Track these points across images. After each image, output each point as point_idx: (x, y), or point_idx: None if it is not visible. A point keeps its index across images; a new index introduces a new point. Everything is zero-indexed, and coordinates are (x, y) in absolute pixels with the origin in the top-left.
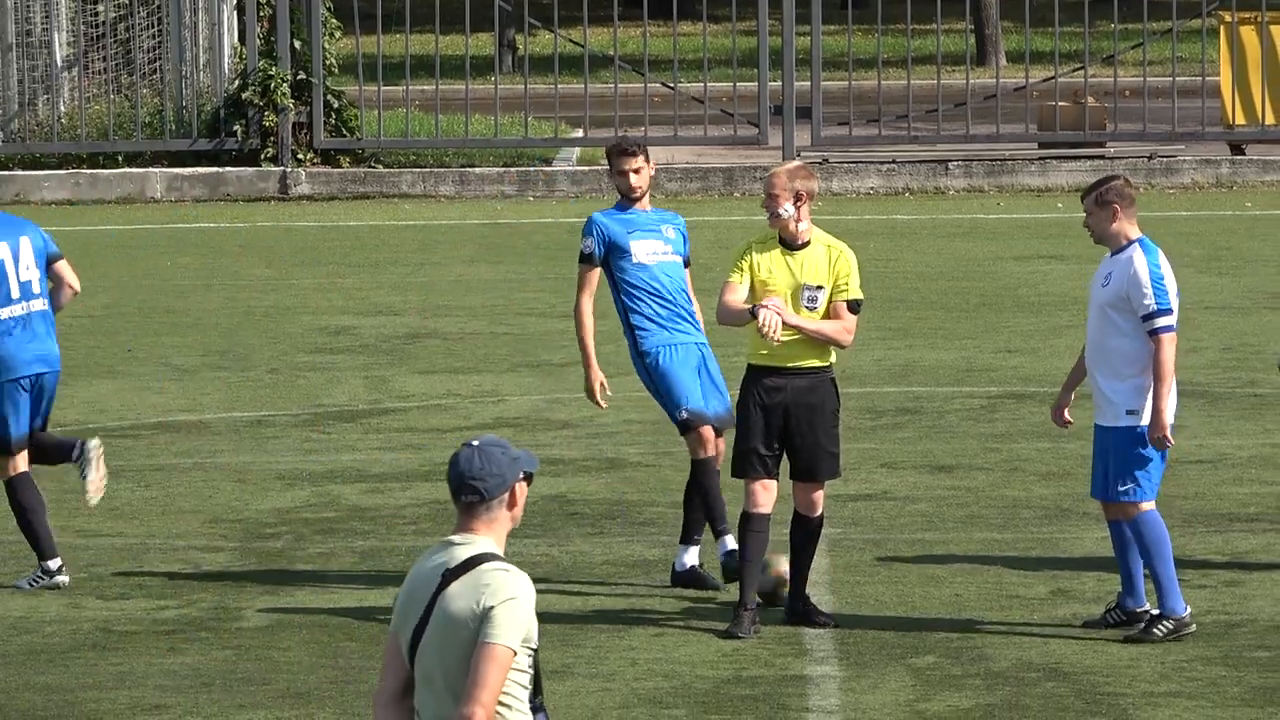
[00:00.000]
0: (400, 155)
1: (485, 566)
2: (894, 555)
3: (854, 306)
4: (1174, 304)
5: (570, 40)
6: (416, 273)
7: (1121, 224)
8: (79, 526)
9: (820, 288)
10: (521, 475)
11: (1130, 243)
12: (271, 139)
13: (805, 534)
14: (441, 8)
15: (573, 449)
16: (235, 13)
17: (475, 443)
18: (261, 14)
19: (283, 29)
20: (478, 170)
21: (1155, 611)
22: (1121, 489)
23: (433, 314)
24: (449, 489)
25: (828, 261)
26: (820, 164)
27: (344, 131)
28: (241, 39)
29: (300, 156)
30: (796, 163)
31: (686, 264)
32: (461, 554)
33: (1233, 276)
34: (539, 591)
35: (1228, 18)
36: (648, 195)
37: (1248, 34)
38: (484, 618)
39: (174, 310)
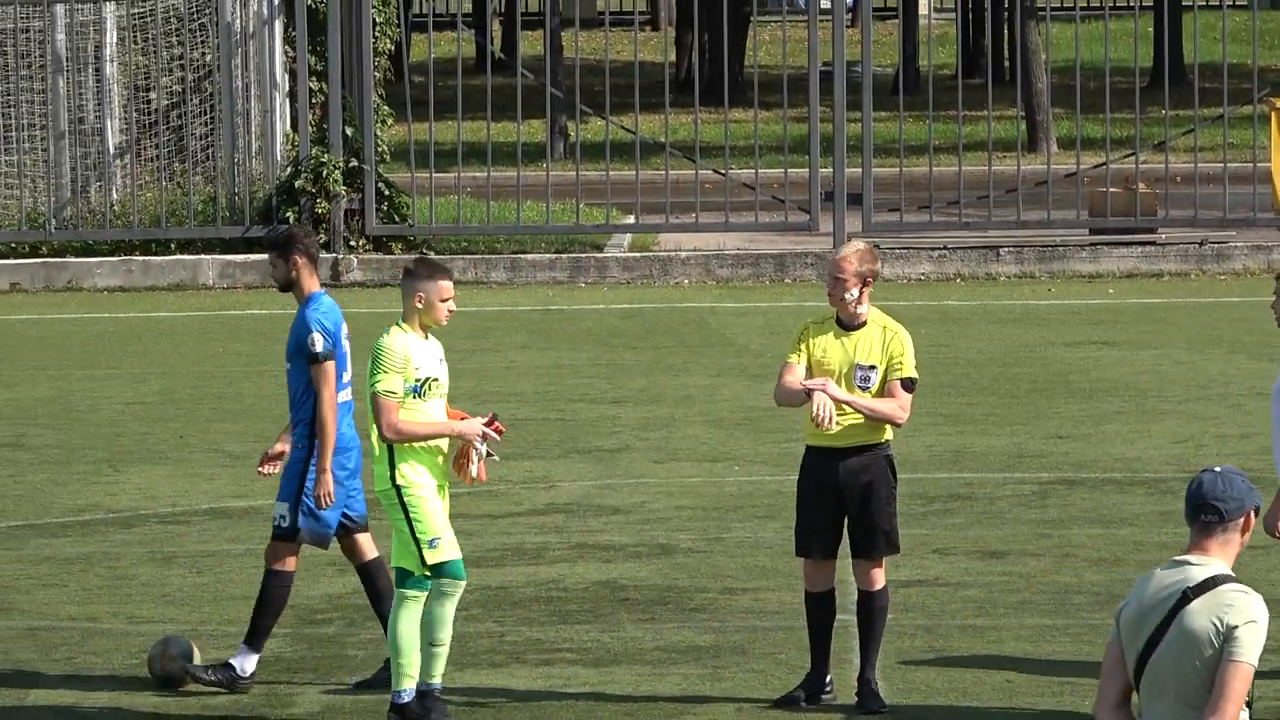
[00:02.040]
0: (452, 242)
1: (1225, 587)
2: (946, 641)
3: (908, 385)
4: None
5: (622, 127)
6: (467, 359)
7: None
8: (130, 613)
9: (873, 367)
10: (1254, 507)
11: None
12: (324, 226)
13: (867, 611)
14: (493, 95)
15: (624, 534)
16: (288, 100)
17: (1217, 469)
18: (314, 101)
19: (335, 116)
20: (529, 256)
21: None
22: None
23: (484, 400)
24: (1186, 510)
25: (882, 342)
26: (864, 248)
27: (396, 218)
28: (294, 126)
29: (353, 243)
30: (863, 245)
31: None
32: (1199, 574)
33: None
34: (587, 678)
35: (1278, 103)
36: None
37: None
38: (1228, 636)
39: (226, 396)
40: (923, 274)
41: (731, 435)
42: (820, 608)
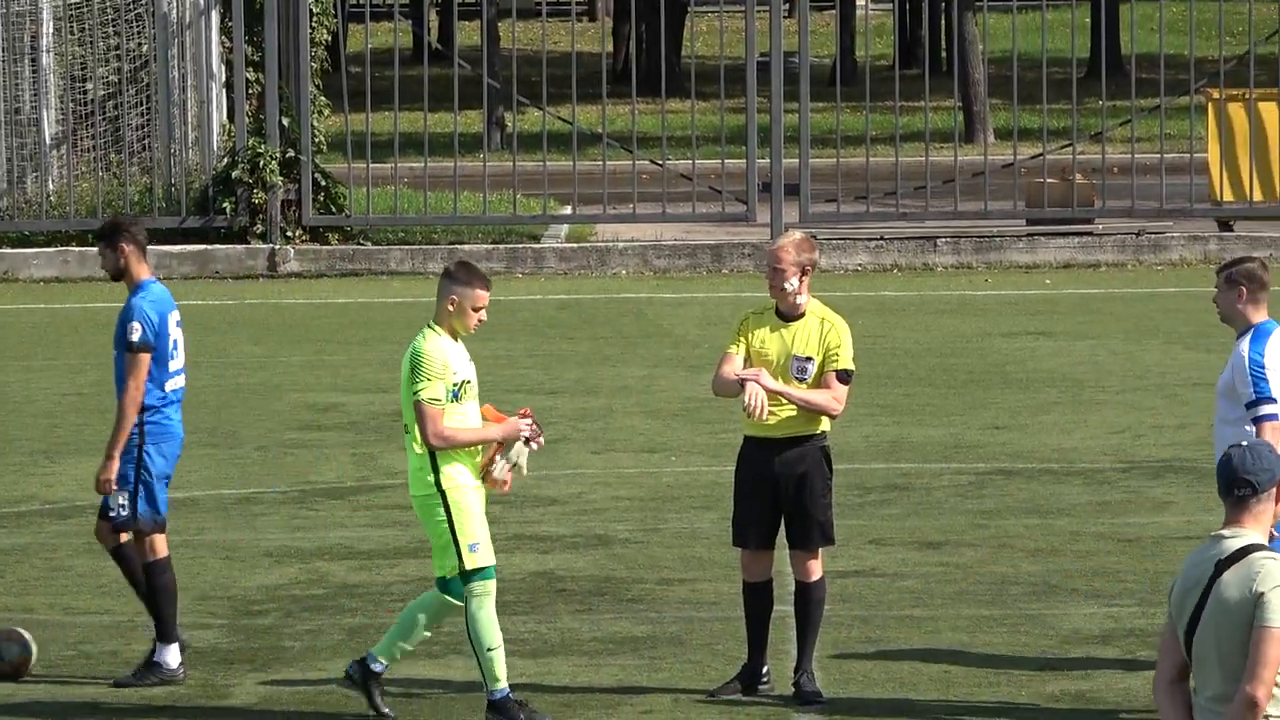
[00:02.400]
0: (389, 232)
1: (1255, 555)
2: (883, 632)
3: (843, 376)
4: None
5: (559, 118)
6: (404, 350)
7: (1246, 306)
8: (66, 604)
9: (810, 359)
10: None
11: (1249, 327)
12: (260, 216)
13: (804, 602)
14: (430, 85)
15: (561, 525)
16: (224, 90)
17: (1244, 444)
18: (250, 92)
19: (271, 107)
20: (466, 247)
21: None
22: None
23: None
24: (1219, 487)
25: (819, 334)
26: (802, 238)
27: (332, 209)
28: (230, 117)
29: (289, 234)
30: (799, 235)
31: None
32: (1231, 545)
33: (1220, 353)
34: (525, 669)
35: (1215, 94)
36: None
37: (1235, 110)
38: (1257, 603)
39: None
40: (860, 264)
41: (669, 426)
42: (757, 598)
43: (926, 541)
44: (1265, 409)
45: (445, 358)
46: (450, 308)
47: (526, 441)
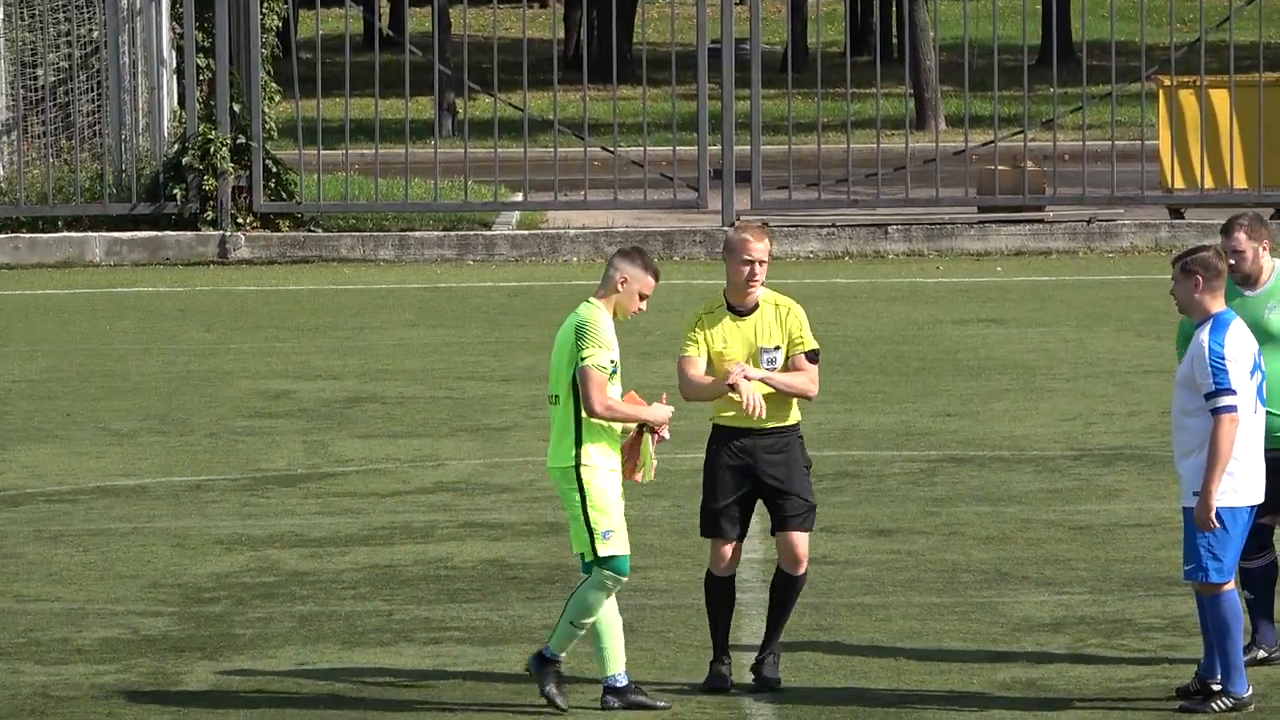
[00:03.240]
0: (339, 219)
1: None
2: (834, 619)
3: (813, 356)
4: (1239, 382)
5: (510, 104)
6: (356, 337)
7: (1203, 295)
8: (17, 591)
9: (777, 348)
10: None
11: (1207, 318)
12: (211, 203)
13: (788, 588)
14: (381, 72)
15: (512, 513)
16: (175, 77)
17: None
18: (201, 79)
19: (222, 93)
20: (417, 234)
21: (1218, 686)
22: (1186, 568)
23: (372, 378)
24: None
25: (778, 320)
26: (760, 227)
27: (283, 195)
28: (181, 104)
29: (240, 220)
30: (758, 225)
31: None
32: None
33: (1172, 340)
34: (476, 656)
35: (1166, 82)
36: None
37: (1186, 98)
38: None
39: (112, 374)
40: (811, 252)
41: None
42: (725, 592)
43: (877, 529)
44: (1224, 400)
45: (611, 330)
46: (620, 286)
47: (652, 431)
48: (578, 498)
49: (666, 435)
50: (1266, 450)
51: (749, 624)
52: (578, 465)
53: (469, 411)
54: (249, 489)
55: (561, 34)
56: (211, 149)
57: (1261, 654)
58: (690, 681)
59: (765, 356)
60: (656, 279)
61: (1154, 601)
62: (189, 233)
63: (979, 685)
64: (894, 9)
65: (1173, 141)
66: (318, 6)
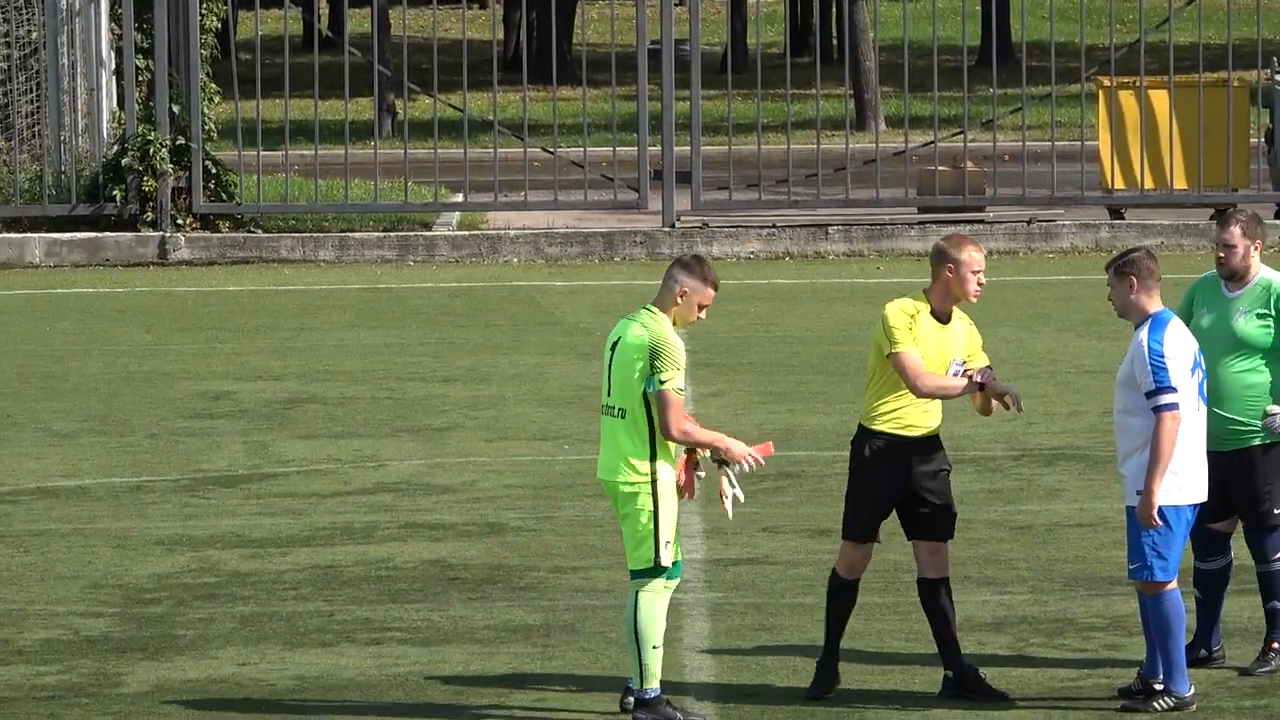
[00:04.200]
0: (279, 220)
1: None
2: (776, 619)
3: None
4: (1180, 380)
5: (450, 105)
6: (296, 337)
7: (1139, 296)
8: None
9: (964, 361)
10: None
11: (1146, 318)
12: (151, 204)
13: (940, 600)
14: (321, 73)
15: (453, 513)
16: (114, 78)
17: None
18: (140, 80)
19: (161, 94)
20: (357, 235)
21: (1160, 686)
22: (1130, 567)
23: (313, 379)
24: None
25: (966, 335)
26: (700, 228)
27: (223, 196)
28: (120, 104)
29: (179, 221)
30: (973, 236)
31: None
32: None
33: (1112, 340)
34: (418, 657)
35: (1106, 82)
36: None
37: (1126, 99)
38: None
39: (53, 375)
40: (752, 252)
41: (561, 414)
42: (852, 596)
43: (819, 529)
44: (1165, 398)
45: (682, 347)
46: (680, 299)
47: (722, 461)
48: (651, 508)
49: (750, 465)
50: (1221, 452)
51: (690, 624)
52: (654, 480)
53: (410, 412)
54: (190, 490)
55: (501, 35)
56: (151, 150)
57: (1202, 653)
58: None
59: (953, 368)
60: (716, 289)
61: (1095, 601)
62: (129, 234)
63: (921, 685)
64: (834, 10)
65: (1112, 142)
66: (257, 8)
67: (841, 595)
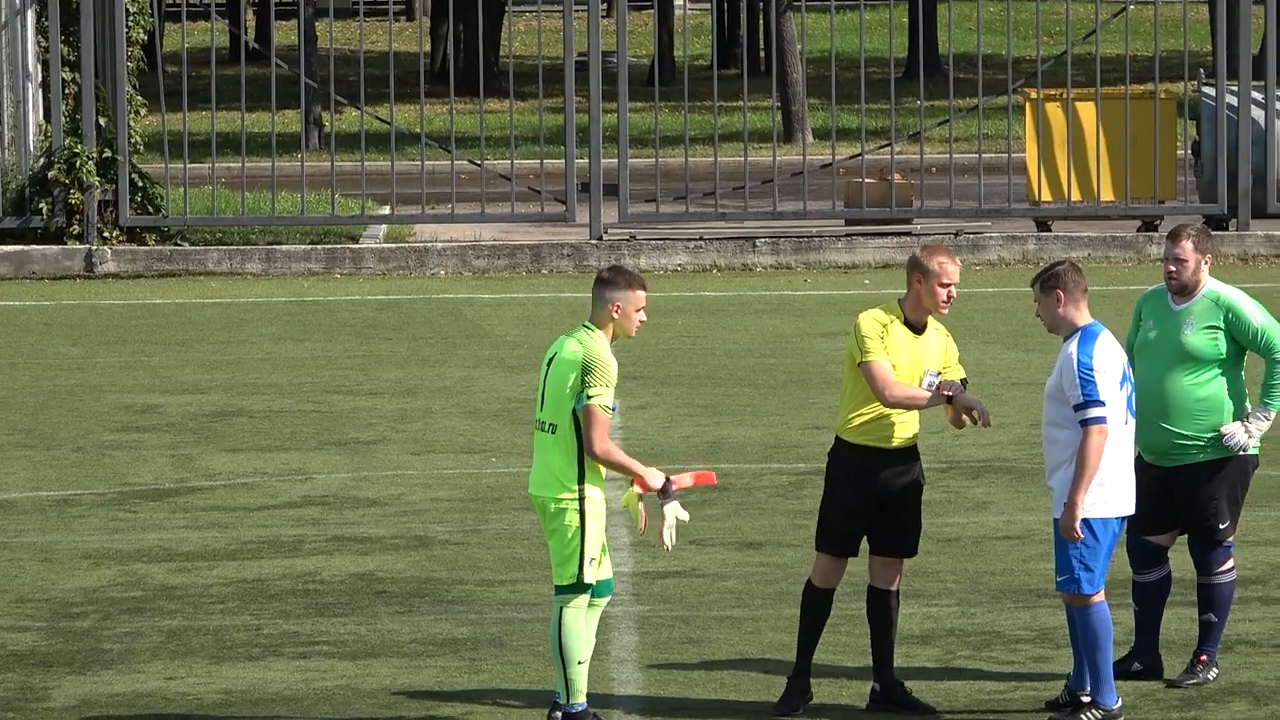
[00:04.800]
0: (206, 233)
1: None
2: (703, 632)
3: (964, 384)
4: (1108, 393)
5: (376, 118)
6: (223, 350)
7: (1068, 309)
8: None
9: (939, 373)
10: None
11: (1075, 331)
12: (77, 217)
13: (888, 608)
14: (247, 85)
15: (380, 527)
16: (40, 90)
17: None
18: (66, 92)
19: (88, 107)
20: (284, 248)
21: (1087, 698)
22: (1058, 579)
23: (239, 392)
24: None
25: (941, 347)
26: (627, 241)
27: (150, 209)
28: (47, 116)
29: (106, 234)
30: (948, 246)
31: None
32: None
33: (1040, 353)
34: (344, 671)
35: (1033, 94)
36: None
37: (1053, 110)
38: None
39: None
40: (679, 265)
41: (489, 427)
42: (826, 607)
43: (747, 542)
44: (1093, 412)
45: (615, 365)
46: (615, 314)
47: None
48: (578, 525)
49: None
50: (1165, 467)
51: (618, 637)
52: (582, 498)
53: (337, 425)
54: (116, 503)
55: (428, 47)
56: (77, 163)
57: (1137, 666)
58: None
59: (927, 379)
60: (645, 288)
61: (1023, 613)
62: (55, 247)
63: (848, 698)
64: (761, 22)
65: (1040, 154)
66: (184, 20)
67: (815, 606)
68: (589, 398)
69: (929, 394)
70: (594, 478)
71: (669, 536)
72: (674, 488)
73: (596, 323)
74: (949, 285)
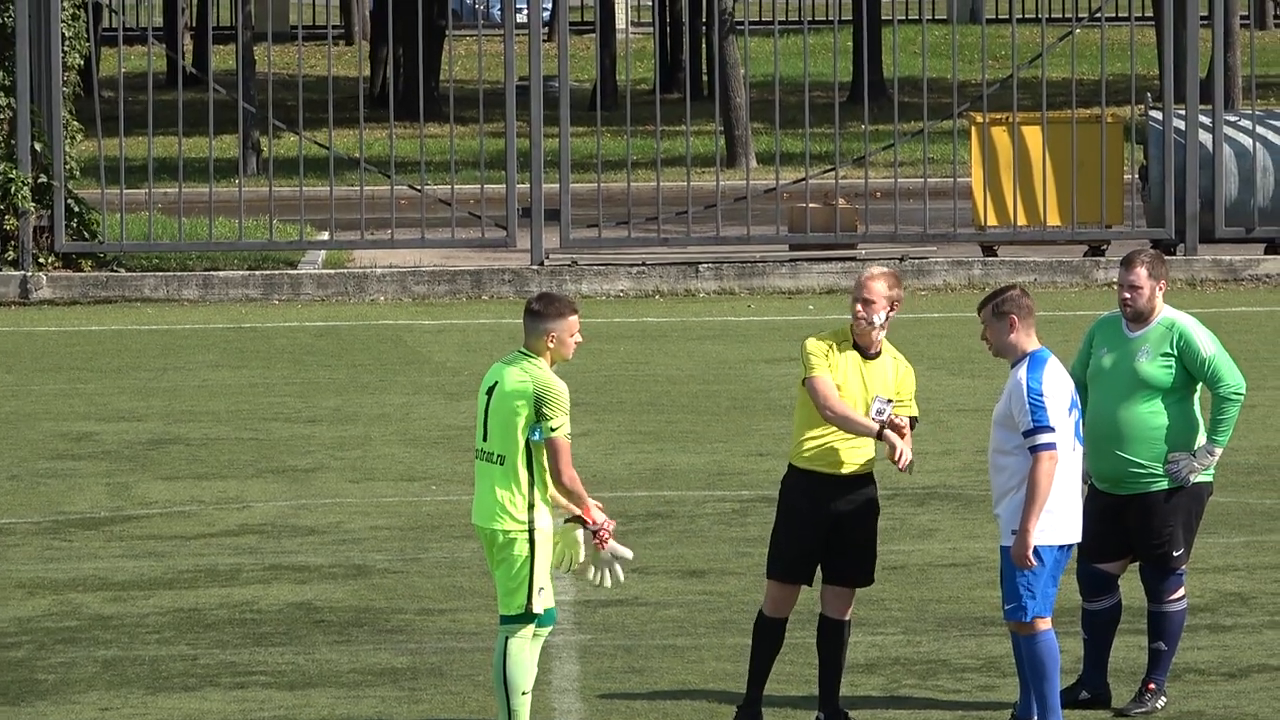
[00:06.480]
0: (143, 259)
1: None
2: (646, 661)
3: (913, 423)
4: (1057, 419)
5: (315, 142)
6: (159, 378)
7: (1018, 335)
8: None
9: (890, 401)
10: None
11: (1023, 356)
12: (12, 243)
13: (838, 640)
14: (185, 110)
15: (319, 555)
16: None
17: None
18: (1, 117)
19: (23, 131)
20: (222, 274)
21: None
22: (1005, 607)
23: (176, 419)
24: None
25: (895, 375)
26: (569, 266)
27: (86, 235)
28: None
29: (41, 260)
30: (888, 269)
31: None
32: None
33: (986, 379)
34: (282, 701)
35: (979, 119)
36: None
37: (999, 135)
38: None
39: None
40: (621, 290)
41: (428, 454)
42: (777, 636)
43: (690, 570)
44: (1043, 438)
45: (566, 390)
46: (550, 343)
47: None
48: (527, 555)
49: (606, 538)
50: (1118, 495)
51: (559, 666)
52: (532, 528)
53: (274, 453)
54: (51, 532)
55: (367, 71)
56: (12, 188)
57: (1085, 694)
58: None
59: (875, 406)
60: (576, 311)
61: (969, 641)
62: None
63: None
64: (704, 46)
65: (985, 179)
66: (120, 44)
67: (766, 636)
68: (552, 430)
69: (867, 421)
70: (544, 505)
71: (619, 575)
72: (606, 534)
73: (533, 350)
74: (865, 300)
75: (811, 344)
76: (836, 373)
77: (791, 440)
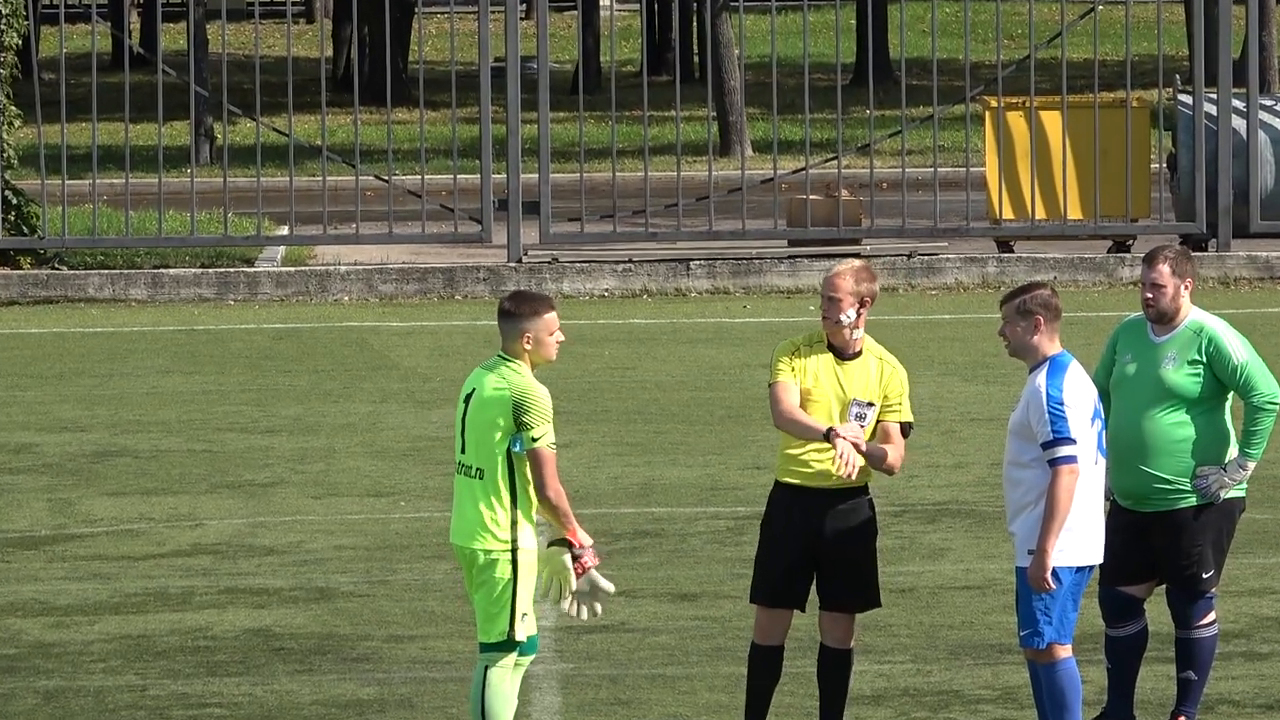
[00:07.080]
0: (87, 255)
1: None
2: (633, 692)
3: (906, 430)
4: (1079, 430)
5: (274, 129)
6: (105, 384)
7: (1041, 338)
8: None
9: (871, 405)
10: None
11: (1043, 360)
12: None
13: (840, 670)
14: (132, 93)
15: (278, 578)
16: None
17: None
18: None
19: None
20: (172, 271)
21: None
22: (1021, 633)
23: (123, 430)
24: None
25: (879, 377)
26: (549, 264)
27: (24, 230)
28: None
29: None
30: (858, 262)
31: None
32: None
33: (1001, 385)
34: None
35: (993, 103)
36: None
37: (1015, 121)
38: None
39: None
40: (606, 290)
41: (397, 467)
42: (770, 666)
43: (681, 593)
44: (1063, 450)
45: (548, 397)
46: (527, 345)
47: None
48: (510, 578)
49: (588, 565)
50: (1143, 513)
51: (539, 698)
52: (515, 548)
53: (230, 466)
54: None
55: (330, 52)
56: None
57: None
58: None
59: (854, 410)
60: (553, 308)
61: (983, 670)
62: None
63: None
64: (695, 24)
65: (1000, 168)
66: (61, 23)
67: (760, 665)
68: (534, 440)
69: (820, 428)
70: (528, 523)
71: (597, 609)
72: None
73: (512, 354)
74: (829, 298)
75: (778, 349)
76: (805, 376)
77: (778, 453)
